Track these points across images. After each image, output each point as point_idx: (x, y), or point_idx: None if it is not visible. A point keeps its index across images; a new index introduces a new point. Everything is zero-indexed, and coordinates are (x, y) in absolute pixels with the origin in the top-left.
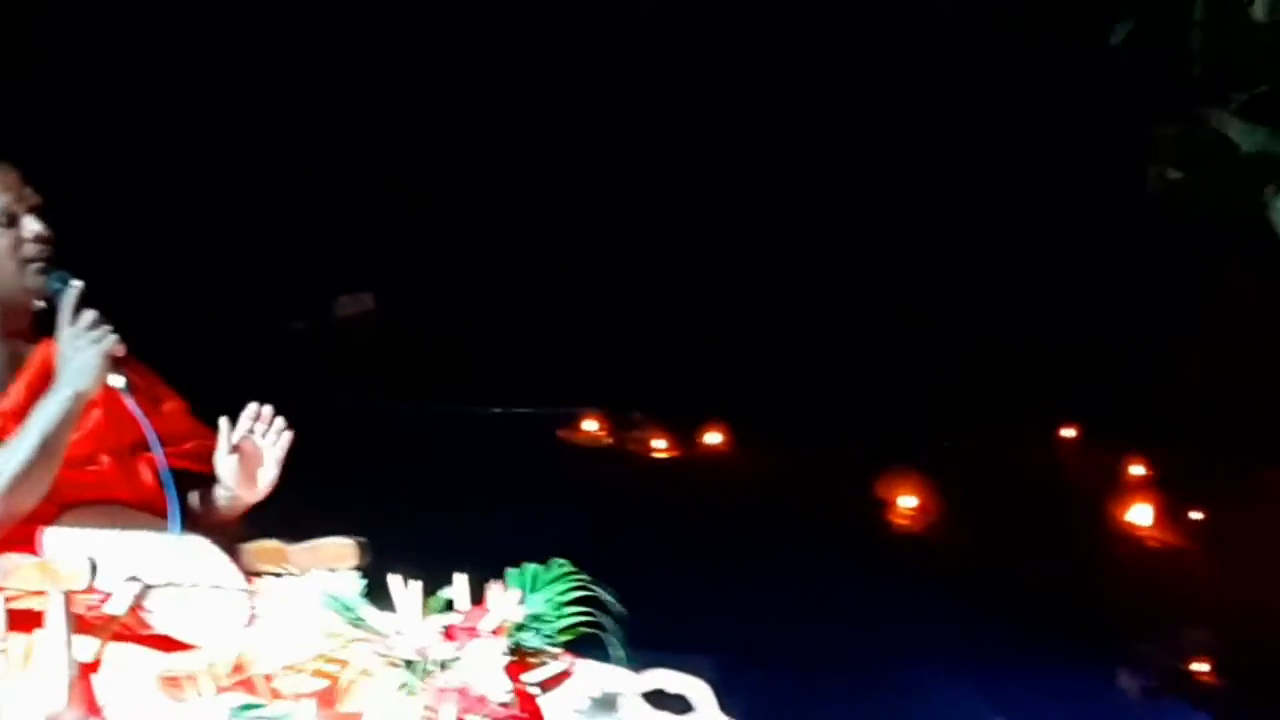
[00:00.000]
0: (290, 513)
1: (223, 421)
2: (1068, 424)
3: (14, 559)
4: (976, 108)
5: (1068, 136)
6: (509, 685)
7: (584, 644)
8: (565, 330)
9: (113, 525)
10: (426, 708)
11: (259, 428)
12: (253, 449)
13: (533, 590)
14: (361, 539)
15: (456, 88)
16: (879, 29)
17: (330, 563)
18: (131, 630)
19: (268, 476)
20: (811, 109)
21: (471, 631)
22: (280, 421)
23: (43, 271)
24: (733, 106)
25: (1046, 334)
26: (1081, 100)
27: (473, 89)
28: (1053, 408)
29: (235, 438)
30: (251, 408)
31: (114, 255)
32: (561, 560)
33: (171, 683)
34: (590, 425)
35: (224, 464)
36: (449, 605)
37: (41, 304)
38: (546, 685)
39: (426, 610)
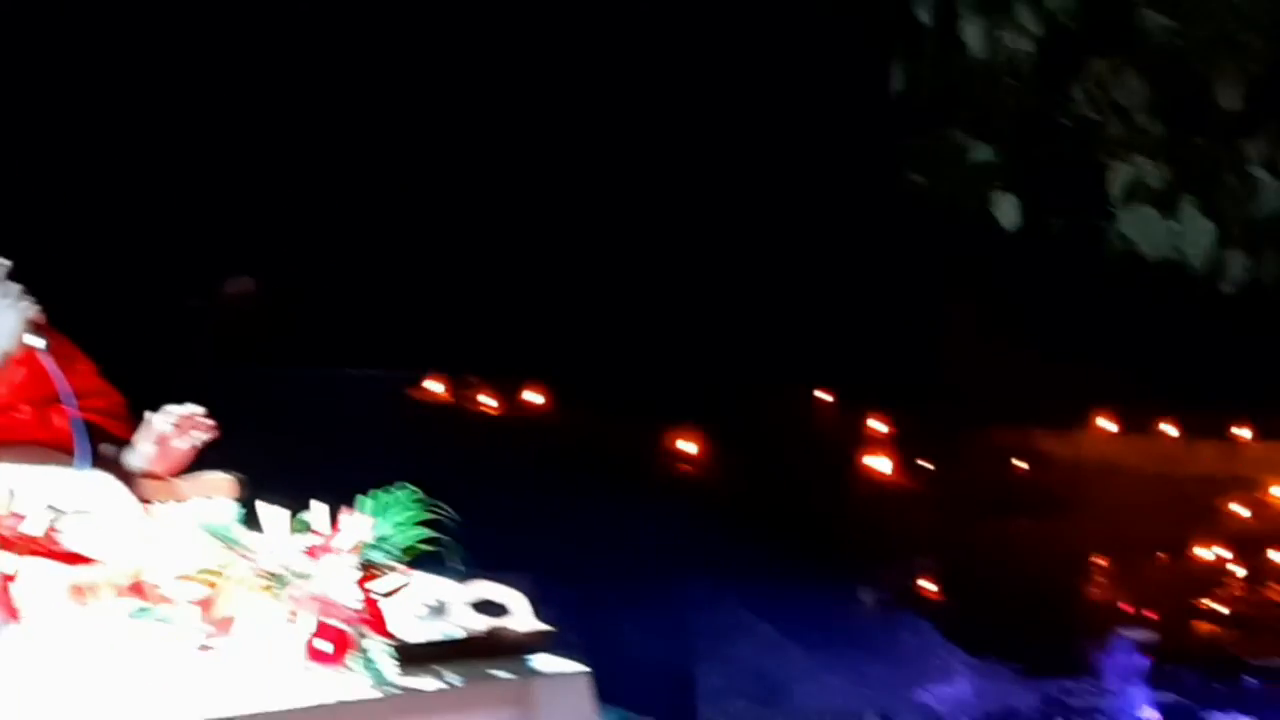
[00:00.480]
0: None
1: (148, 415)
2: (825, 389)
3: None
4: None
5: (836, 147)
6: (359, 594)
7: (424, 561)
8: (414, 307)
9: (30, 462)
10: (290, 612)
11: (185, 425)
12: (172, 440)
13: (381, 515)
14: (238, 474)
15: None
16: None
17: (211, 492)
18: (45, 548)
19: (178, 461)
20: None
21: (327, 549)
22: (207, 422)
23: None
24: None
25: (797, 317)
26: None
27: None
28: (813, 375)
29: (162, 430)
30: (187, 408)
31: (38, 239)
32: (406, 487)
33: (78, 591)
34: (434, 385)
35: (143, 449)
36: (308, 528)
37: None
38: (390, 594)
39: (290, 532)
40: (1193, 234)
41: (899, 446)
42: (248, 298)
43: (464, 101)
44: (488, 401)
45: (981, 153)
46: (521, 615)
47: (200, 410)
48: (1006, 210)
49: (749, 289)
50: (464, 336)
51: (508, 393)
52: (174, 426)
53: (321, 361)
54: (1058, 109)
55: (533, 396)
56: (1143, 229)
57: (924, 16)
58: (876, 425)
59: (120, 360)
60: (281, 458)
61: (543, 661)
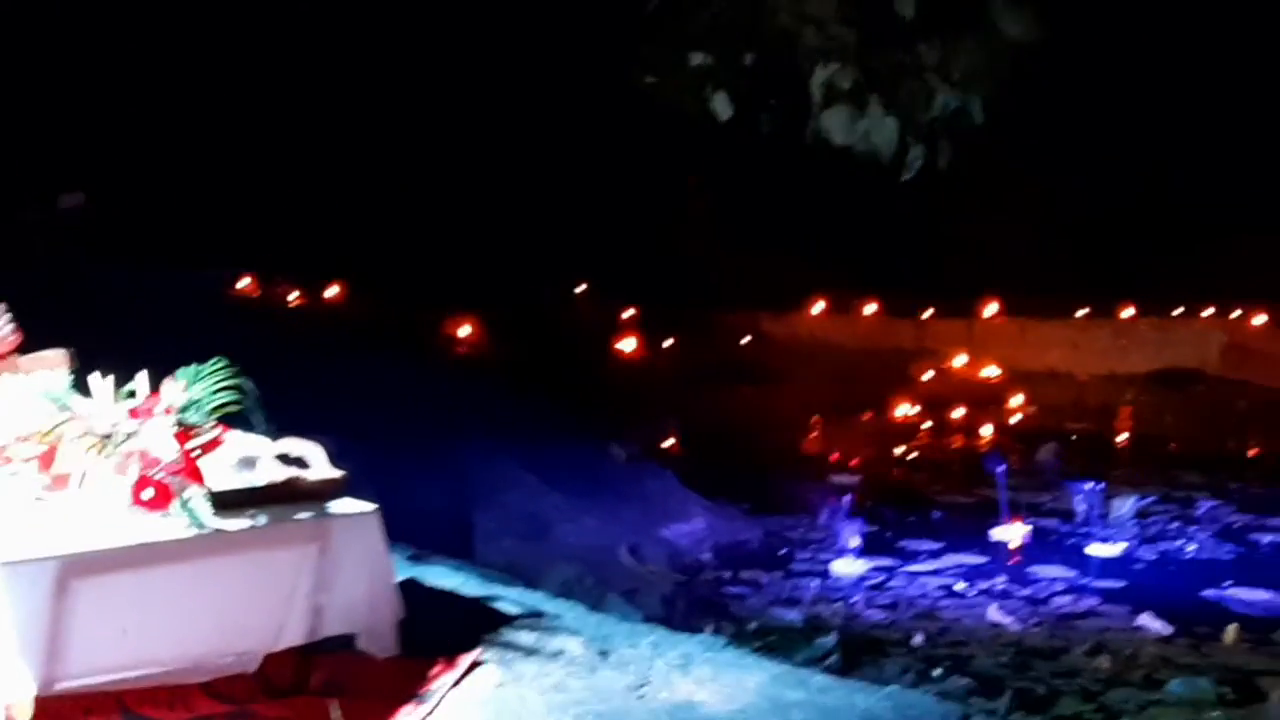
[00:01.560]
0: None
1: None
2: (583, 283)
3: None
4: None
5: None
6: (177, 449)
7: (236, 422)
8: (227, 217)
9: None
10: (117, 466)
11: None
12: None
13: (194, 381)
14: (71, 349)
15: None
16: None
17: (50, 366)
18: None
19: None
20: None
21: (149, 412)
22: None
23: None
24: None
25: (555, 218)
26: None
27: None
28: (572, 271)
29: None
30: None
31: None
32: (217, 359)
33: None
34: (245, 282)
35: None
36: (133, 394)
37: None
38: (205, 449)
39: (117, 398)
40: (879, 130)
41: (642, 328)
42: (80, 209)
43: (271, 25)
44: (292, 295)
45: (699, 58)
46: (320, 466)
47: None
48: (721, 106)
49: (511, 193)
50: (272, 242)
51: (311, 288)
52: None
53: (148, 265)
54: (763, 21)
55: (331, 291)
56: (837, 125)
57: None
58: (623, 310)
59: None
60: (114, 343)
61: (339, 504)
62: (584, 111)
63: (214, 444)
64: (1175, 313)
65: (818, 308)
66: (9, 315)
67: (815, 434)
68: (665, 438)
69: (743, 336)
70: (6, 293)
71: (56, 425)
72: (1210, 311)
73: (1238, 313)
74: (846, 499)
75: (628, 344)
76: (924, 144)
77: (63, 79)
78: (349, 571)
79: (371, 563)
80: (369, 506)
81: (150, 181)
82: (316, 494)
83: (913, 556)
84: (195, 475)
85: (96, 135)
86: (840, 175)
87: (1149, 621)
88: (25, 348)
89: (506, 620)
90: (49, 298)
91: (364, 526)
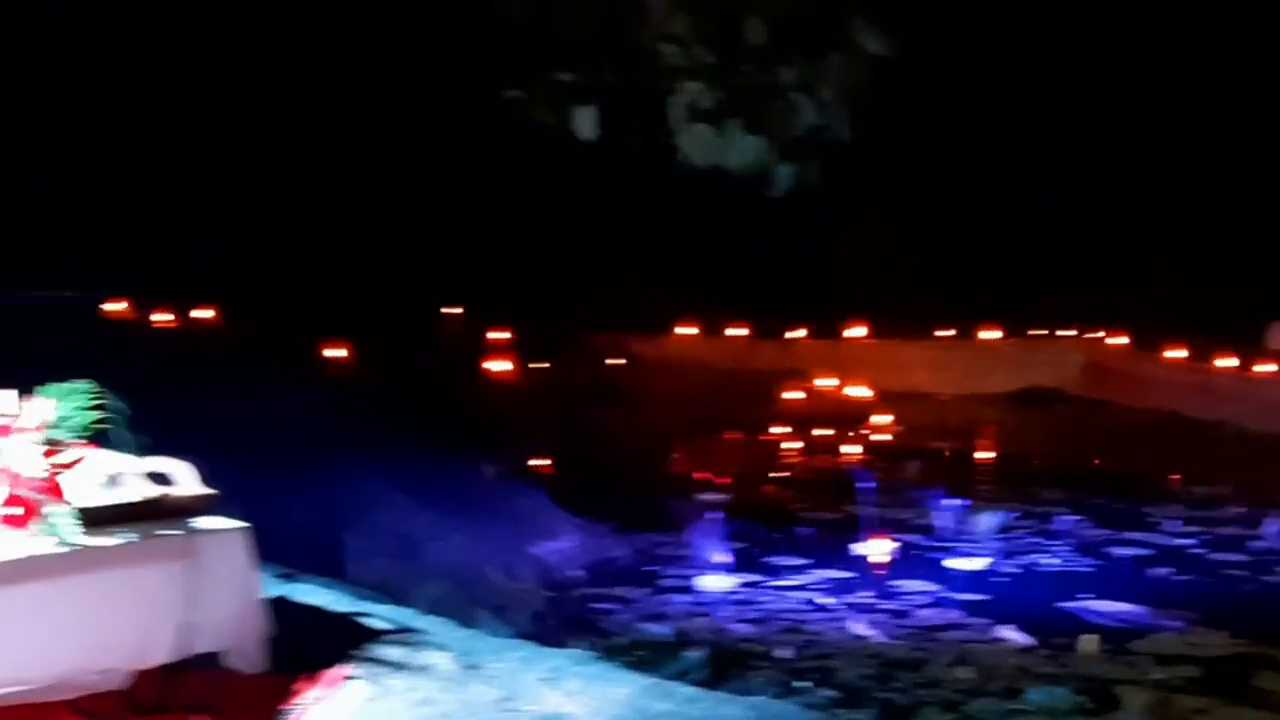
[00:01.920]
0: None
1: None
2: (454, 306)
3: None
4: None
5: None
6: (44, 466)
7: (104, 440)
8: (102, 241)
9: None
10: None
11: None
12: None
13: (62, 399)
14: None
15: None
16: None
17: None
18: None
19: None
20: None
21: (15, 429)
22: None
23: None
24: None
25: (428, 244)
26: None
27: None
28: (444, 294)
29: None
30: None
31: None
32: (83, 380)
33: None
34: (118, 305)
35: None
36: None
37: None
38: (70, 466)
39: None
40: (740, 148)
41: (514, 350)
42: None
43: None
44: (164, 317)
45: (564, 75)
46: (189, 483)
47: None
48: (585, 124)
49: (383, 220)
50: (147, 265)
51: (185, 312)
52: None
53: (29, 287)
54: (628, 41)
55: (202, 313)
56: (698, 144)
57: None
58: (496, 333)
59: None
60: None
61: (206, 521)
62: (451, 130)
63: (80, 461)
64: (1036, 334)
65: (687, 330)
66: None
67: (684, 453)
68: (536, 457)
69: (614, 358)
70: None
71: None
72: (1071, 333)
73: (1098, 334)
74: (715, 516)
75: (499, 365)
76: (792, 162)
77: None
78: (216, 589)
79: (239, 580)
80: (237, 524)
81: (21, 204)
82: (185, 511)
83: (779, 572)
84: (62, 492)
85: None
86: (708, 195)
87: (1010, 633)
88: None
89: (375, 636)
90: None
91: (231, 544)
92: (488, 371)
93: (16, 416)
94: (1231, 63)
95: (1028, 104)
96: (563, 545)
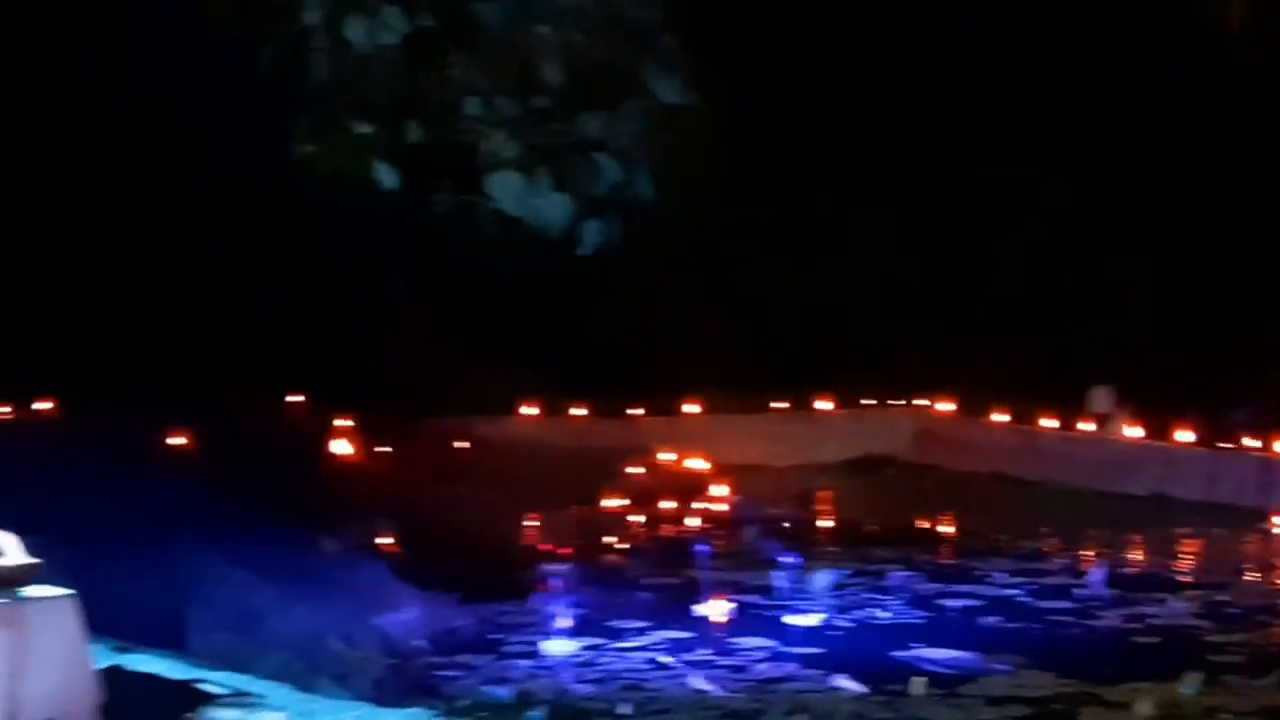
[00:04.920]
0: None
1: None
2: (296, 392)
3: None
4: None
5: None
6: None
7: None
8: None
9: None
10: None
11: None
12: None
13: None
14: None
15: None
16: None
17: None
18: None
19: None
20: None
21: None
22: None
23: None
24: None
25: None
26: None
27: None
28: (287, 381)
29: None
30: None
31: None
32: None
33: None
34: None
35: None
36: None
37: None
38: None
39: None
40: (549, 204)
41: (358, 435)
42: None
43: None
44: (3, 409)
45: (362, 128)
46: (13, 553)
47: None
48: (386, 176)
49: (216, 302)
50: None
51: (21, 404)
52: None
53: None
54: (428, 93)
55: (43, 404)
56: (509, 194)
57: (311, 18)
58: (339, 419)
59: None
60: None
61: (33, 590)
62: (261, 200)
63: None
64: (868, 403)
65: (530, 411)
66: None
67: (527, 527)
68: (380, 534)
69: (456, 440)
70: None
71: None
72: (900, 402)
73: (924, 402)
74: (557, 583)
75: (341, 447)
76: (597, 219)
77: None
78: (45, 656)
79: (68, 647)
80: (64, 591)
81: None
82: (9, 581)
83: (621, 634)
84: None
85: None
86: (519, 253)
87: (845, 682)
88: None
89: (210, 700)
90: None
91: (59, 611)
92: (331, 455)
93: None
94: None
95: (834, 151)
96: (405, 616)
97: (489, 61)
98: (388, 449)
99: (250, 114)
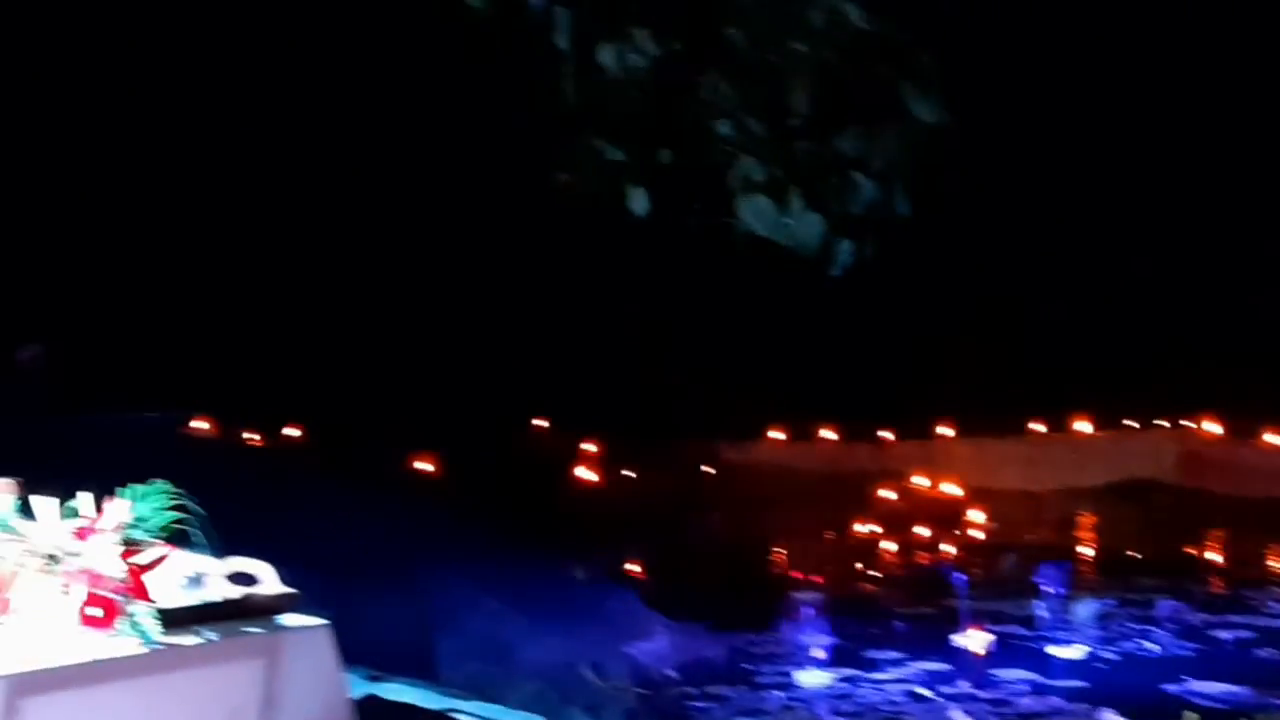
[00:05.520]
0: None
1: None
2: (543, 416)
3: None
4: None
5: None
6: (123, 566)
7: (182, 541)
8: (185, 362)
9: None
10: (63, 585)
11: None
12: None
13: (139, 500)
14: (19, 479)
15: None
16: None
17: None
18: None
19: None
20: None
21: (93, 530)
22: None
23: None
24: None
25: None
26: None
27: None
28: (534, 406)
29: None
30: None
31: None
32: (160, 481)
33: None
34: (201, 424)
35: None
36: (76, 514)
37: None
38: (150, 566)
39: (62, 518)
40: (802, 224)
41: (603, 460)
42: (39, 361)
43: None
44: (251, 435)
45: (614, 153)
46: (270, 583)
47: None
48: (638, 201)
49: (463, 328)
50: (233, 383)
51: (270, 429)
52: None
53: (105, 409)
54: (678, 116)
55: (291, 431)
56: (759, 216)
57: (562, 43)
58: (584, 443)
59: None
60: (66, 483)
61: (289, 619)
62: (513, 226)
63: (160, 561)
64: (1129, 424)
65: (776, 435)
66: None
67: (777, 555)
68: (627, 561)
69: (703, 465)
70: None
71: (0, 547)
72: (1164, 423)
73: (1189, 424)
74: (809, 612)
75: (588, 474)
76: (851, 239)
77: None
78: (300, 687)
79: (324, 678)
80: (319, 621)
81: (108, 329)
82: (267, 611)
83: (876, 665)
84: (142, 592)
85: (54, 285)
86: (770, 275)
87: (1111, 717)
88: None
89: None
90: (5, 448)
91: (315, 641)
92: (576, 480)
93: (95, 518)
94: None
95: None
96: (656, 645)
97: (740, 82)
98: (633, 474)
99: (501, 140)
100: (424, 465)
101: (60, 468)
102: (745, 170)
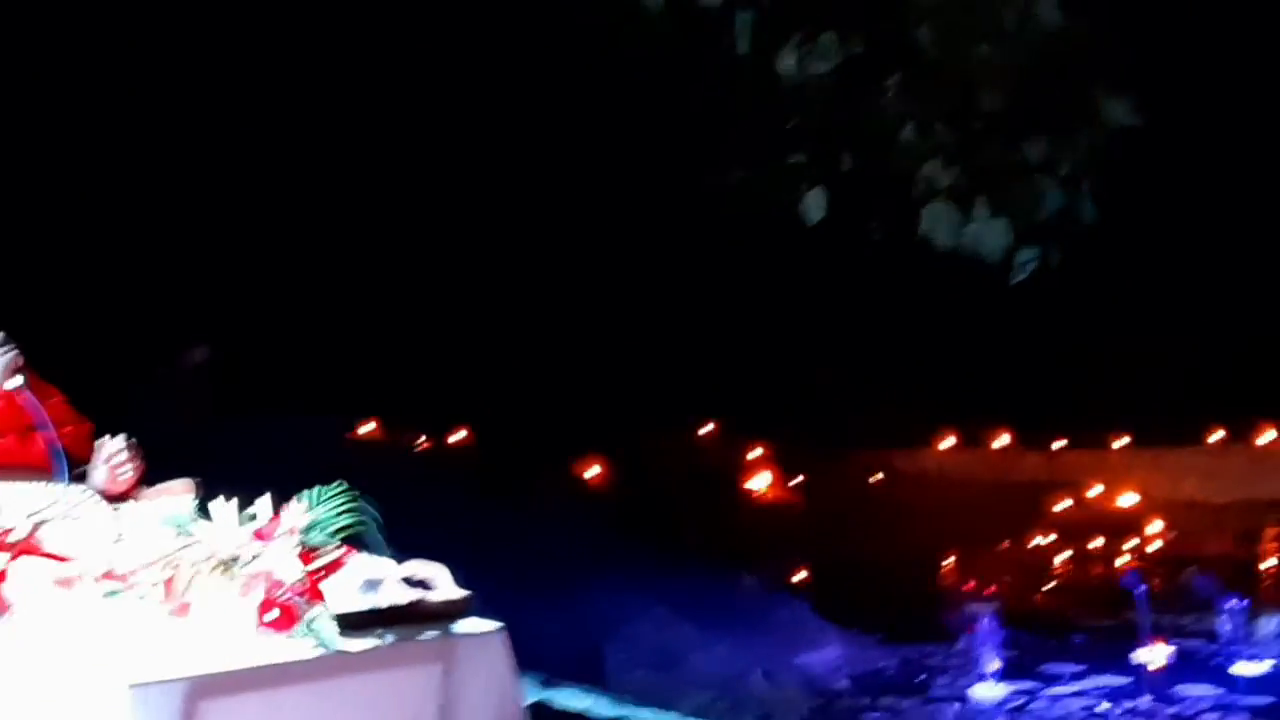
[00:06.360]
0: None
1: (102, 440)
2: (709, 420)
3: None
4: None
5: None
6: (301, 570)
7: (357, 544)
8: (354, 364)
9: (13, 480)
10: (241, 588)
11: (123, 454)
12: (116, 465)
13: (316, 504)
14: (197, 479)
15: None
16: None
17: (176, 494)
18: (31, 549)
19: (125, 481)
20: None
21: (272, 534)
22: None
23: None
24: None
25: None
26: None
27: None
28: (700, 410)
29: (108, 458)
30: (120, 439)
31: (14, 295)
32: (338, 482)
33: (61, 583)
34: (368, 427)
35: (98, 471)
36: (254, 517)
37: None
38: (329, 570)
39: (240, 521)
40: (988, 231)
41: (771, 466)
42: (206, 362)
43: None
44: (419, 439)
45: (794, 157)
46: (446, 587)
47: (123, 444)
48: (814, 205)
49: (627, 336)
50: (398, 387)
51: (436, 433)
52: (114, 463)
53: (272, 411)
54: (861, 120)
55: (457, 435)
56: (941, 225)
57: (742, 46)
58: (751, 449)
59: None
60: (238, 485)
61: (464, 624)
62: (678, 227)
63: (337, 565)
64: None
65: (947, 443)
66: (131, 452)
67: (949, 565)
68: (797, 570)
69: (873, 473)
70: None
71: (180, 550)
72: None
73: None
74: (984, 624)
75: (757, 481)
76: (1035, 245)
77: (185, 243)
78: (476, 691)
79: (499, 683)
80: (494, 625)
81: (273, 331)
82: (442, 615)
83: (1054, 679)
84: (319, 596)
85: (220, 289)
86: (947, 284)
87: None
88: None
89: None
90: (175, 450)
91: (490, 646)
92: (743, 487)
93: (273, 521)
94: None
95: None
96: (827, 655)
97: (925, 85)
98: (802, 480)
99: (681, 144)
100: (591, 469)
101: (227, 470)
102: (930, 175)
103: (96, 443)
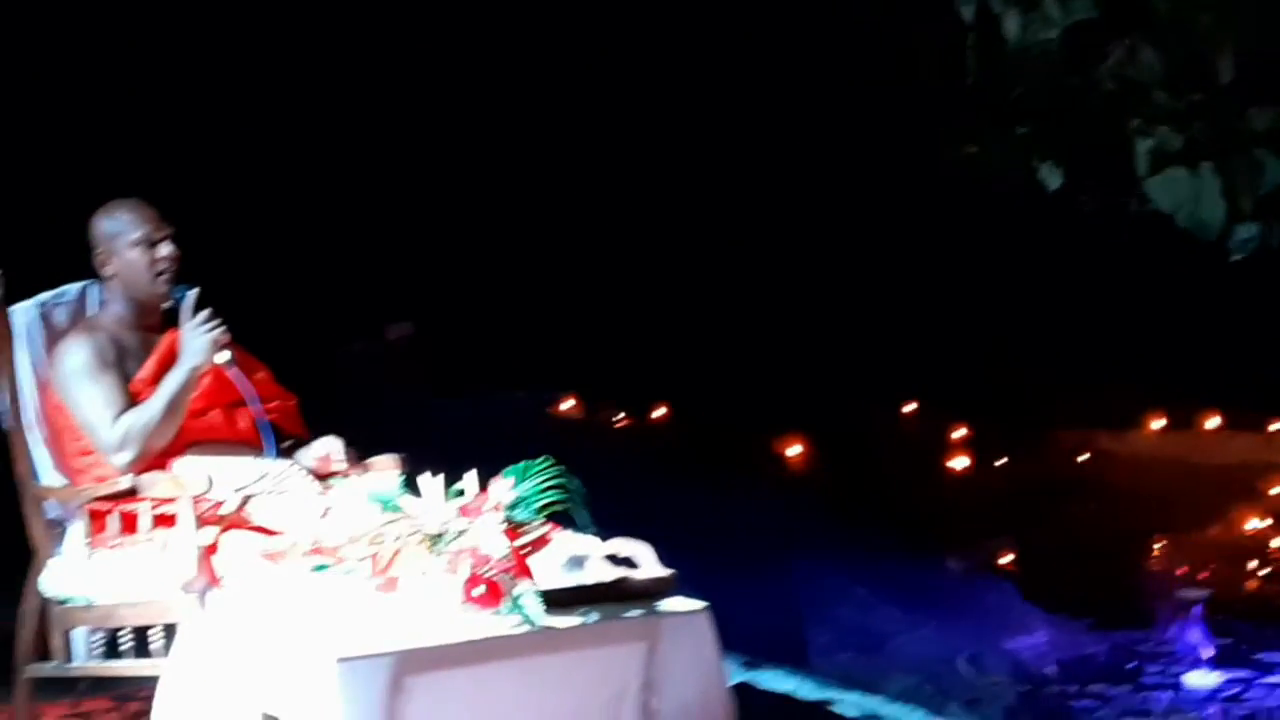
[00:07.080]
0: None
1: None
2: (913, 399)
3: (156, 475)
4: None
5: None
6: (506, 546)
7: (563, 520)
8: (551, 338)
9: (222, 455)
10: (449, 564)
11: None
12: (328, 454)
13: (522, 479)
14: (403, 455)
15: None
16: None
17: (384, 469)
18: (240, 523)
19: (336, 464)
20: None
21: (478, 510)
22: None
23: (171, 282)
24: None
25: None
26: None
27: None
28: (902, 388)
29: (320, 450)
30: (339, 443)
31: (224, 273)
32: (544, 457)
33: (270, 557)
34: (568, 404)
35: (309, 457)
36: (461, 493)
37: (169, 305)
38: (534, 546)
39: (446, 497)
40: (1209, 198)
41: (973, 446)
42: (409, 338)
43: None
44: (618, 416)
45: (1020, 127)
46: (650, 565)
47: (341, 448)
48: (1049, 176)
49: (832, 311)
50: (597, 363)
51: (636, 410)
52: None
53: (474, 389)
54: (1085, 88)
55: (658, 412)
56: (1170, 191)
57: (967, 14)
58: (954, 429)
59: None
60: (441, 461)
61: (669, 603)
62: (893, 199)
63: (543, 541)
64: None
65: (1156, 424)
66: (342, 439)
67: (1159, 549)
68: (1001, 553)
69: (1079, 454)
70: (341, 422)
71: (387, 525)
72: None
73: None
74: (1197, 611)
75: (958, 462)
76: (1257, 221)
77: (389, 219)
78: (680, 671)
79: (702, 662)
80: (699, 604)
81: (476, 308)
82: (646, 594)
83: (1271, 668)
84: (525, 572)
85: (423, 266)
86: (1164, 259)
87: None
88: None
89: None
90: (379, 426)
91: (694, 625)
92: (946, 468)
93: (480, 497)
94: None
95: None
96: (1035, 640)
97: (1154, 53)
98: (1007, 462)
99: (904, 115)
100: (792, 447)
101: (431, 446)
102: (1156, 145)
103: (318, 441)
